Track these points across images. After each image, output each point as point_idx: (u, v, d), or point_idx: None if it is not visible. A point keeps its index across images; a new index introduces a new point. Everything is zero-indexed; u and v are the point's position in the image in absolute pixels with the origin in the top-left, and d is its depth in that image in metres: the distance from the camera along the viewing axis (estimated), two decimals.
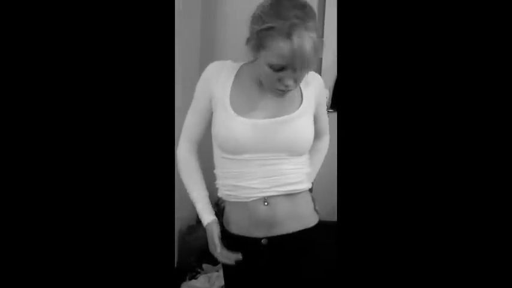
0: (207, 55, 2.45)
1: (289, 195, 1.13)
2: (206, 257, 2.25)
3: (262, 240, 1.14)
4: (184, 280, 2.14)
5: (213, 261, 2.22)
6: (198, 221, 2.48)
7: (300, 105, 1.13)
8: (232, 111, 1.09)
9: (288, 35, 0.96)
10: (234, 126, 1.08)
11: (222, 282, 2.04)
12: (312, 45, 0.97)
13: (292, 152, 1.11)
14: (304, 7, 0.98)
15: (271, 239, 1.13)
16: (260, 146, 1.08)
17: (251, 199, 1.12)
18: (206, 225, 1.21)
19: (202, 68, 1.18)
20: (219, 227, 1.20)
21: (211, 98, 1.14)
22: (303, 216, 1.16)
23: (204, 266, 2.21)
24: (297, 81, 1.04)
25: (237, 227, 1.18)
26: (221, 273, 2.09)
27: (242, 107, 1.10)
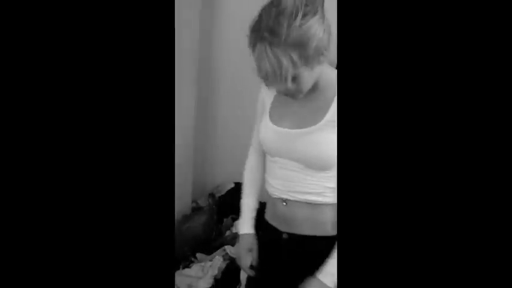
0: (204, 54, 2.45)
1: (309, 204, 1.13)
2: (200, 246, 2.27)
3: (283, 235, 1.19)
4: (178, 269, 2.15)
5: (207, 251, 2.23)
6: (193, 211, 2.51)
7: (323, 118, 1.07)
8: (268, 117, 1.17)
9: (253, 48, 0.96)
10: (264, 131, 1.17)
11: (216, 272, 2.06)
12: (274, 61, 0.93)
13: (309, 165, 1.10)
14: (289, 17, 0.93)
15: (291, 236, 1.18)
16: (280, 152, 1.14)
17: (274, 196, 1.20)
18: (241, 235, 1.31)
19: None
20: (253, 241, 1.29)
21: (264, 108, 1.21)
22: (322, 223, 1.14)
23: (198, 255, 2.22)
24: (288, 89, 1.02)
25: (268, 217, 1.26)
26: (214, 262, 2.11)
27: (276, 114, 1.16)
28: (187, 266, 2.15)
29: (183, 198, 2.44)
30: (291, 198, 1.15)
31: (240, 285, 2.00)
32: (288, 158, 1.12)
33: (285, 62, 0.93)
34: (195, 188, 2.56)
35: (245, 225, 1.30)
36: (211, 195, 2.57)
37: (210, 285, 2.04)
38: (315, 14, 0.95)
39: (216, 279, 2.05)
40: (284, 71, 0.94)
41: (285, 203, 1.16)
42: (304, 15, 0.93)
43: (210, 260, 2.14)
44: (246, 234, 1.29)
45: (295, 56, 0.93)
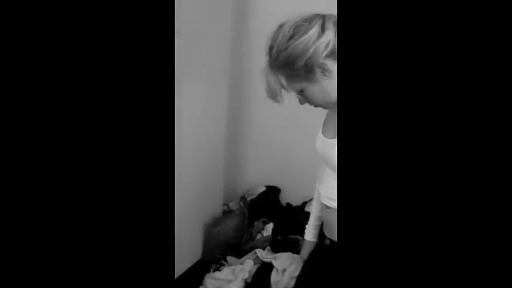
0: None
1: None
2: (231, 249, 2.27)
3: (326, 241, 1.25)
4: (209, 272, 2.16)
5: (238, 254, 2.23)
6: (224, 214, 2.52)
7: None
8: (321, 127, 1.24)
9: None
10: (316, 140, 1.23)
11: (246, 275, 2.06)
12: (266, 79, 1.08)
13: None
14: (291, 38, 1.01)
15: (332, 242, 1.22)
16: (324, 161, 1.20)
17: (323, 202, 1.25)
18: (305, 240, 1.43)
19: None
20: (311, 247, 1.39)
21: None
22: None
23: (229, 258, 2.22)
24: (302, 102, 1.13)
25: None
26: (245, 265, 2.11)
27: (326, 124, 1.23)
28: (218, 269, 2.16)
29: (214, 201, 2.44)
30: (330, 205, 1.19)
31: None
32: (328, 166, 1.18)
33: (273, 81, 1.07)
34: (226, 191, 2.56)
35: (308, 233, 1.41)
36: (243, 198, 2.56)
37: None
38: (306, 31, 0.99)
39: (246, 283, 2.05)
40: (272, 88, 1.08)
41: (328, 210, 1.21)
42: (293, 36, 1.00)
43: (241, 264, 2.14)
44: (307, 241, 1.41)
45: (282, 76, 1.05)
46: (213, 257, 2.24)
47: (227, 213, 2.51)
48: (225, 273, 2.10)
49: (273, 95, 1.09)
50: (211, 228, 2.31)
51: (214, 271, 2.15)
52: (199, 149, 2.19)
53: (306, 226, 1.42)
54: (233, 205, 2.58)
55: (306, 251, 1.41)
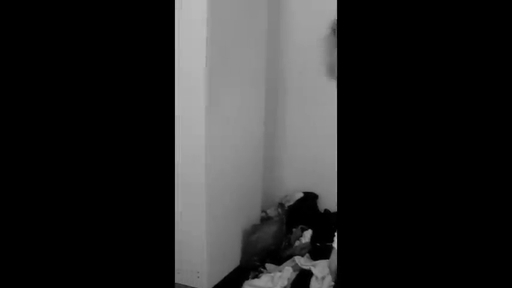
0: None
1: None
2: (269, 256, 2.26)
3: None
4: (247, 279, 2.15)
5: (277, 261, 2.22)
6: (262, 221, 2.51)
7: None
8: None
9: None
10: None
11: (285, 282, 2.04)
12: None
13: None
14: None
15: None
16: None
17: None
18: (333, 248, 1.41)
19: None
20: None
21: None
22: None
23: (267, 265, 2.21)
24: None
25: None
26: (284, 273, 2.09)
27: None
28: (257, 276, 2.15)
29: (253, 208, 2.44)
30: None
31: None
32: None
33: (335, 56, 1.02)
34: (264, 198, 2.56)
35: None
36: (281, 204, 2.55)
37: None
38: None
39: None
40: (333, 64, 1.04)
41: None
42: None
43: (280, 271, 2.12)
44: (335, 249, 1.38)
45: None
46: (251, 264, 2.23)
47: (265, 219, 2.50)
48: (263, 280, 2.09)
49: (333, 72, 1.08)
50: (249, 235, 2.31)
51: (253, 278, 2.15)
52: (240, 155, 2.20)
53: (335, 233, 1.39)
54: (271, 212, 2.57)
55: (334, 257, 1.38)
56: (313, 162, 2.52)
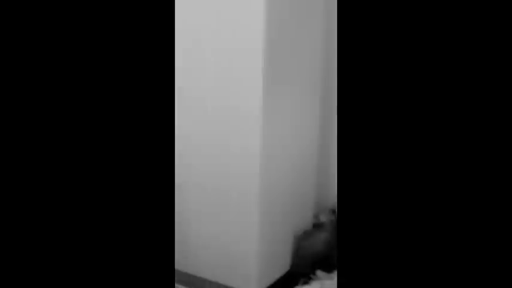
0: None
1: None
2: (320, 263, 2.24)
3: None
4: (297, 285, 2.14)
5: (328, 268, 2.19)
6: (314, 226, 2.49)
7: None
8: None
9: None
10: None
11: None
12: None
13: None
14: None
15: None
16: None
17: None
18: None
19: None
20: None
21: None
22: None
23: (318, 272, 2.20)
24: None
25: None
26: (334, 281, 2.06)
27: None
28: (307, 283, 2.14)
29: (305, 213, 2.43)
30: None
31: None
32: None
33: None
34: (316, 204, 2.53)
35: None
36: (333, 211, 2.52)
37: None
38: None
39: None
40: None
41: None
42: None
43: (331, 279, 2.10)
44: None
45: None
46: (302, 270, 2.22)
47: (317, 225, 2.48)
48: (313, 287, 2.08)
49: None
50: (301, 241, 2.30)
51: (303, 284, 2.14)
52: (294, 163, 2.20)
53: None
54: (323, 217, 2.55)
55: None
56: None
